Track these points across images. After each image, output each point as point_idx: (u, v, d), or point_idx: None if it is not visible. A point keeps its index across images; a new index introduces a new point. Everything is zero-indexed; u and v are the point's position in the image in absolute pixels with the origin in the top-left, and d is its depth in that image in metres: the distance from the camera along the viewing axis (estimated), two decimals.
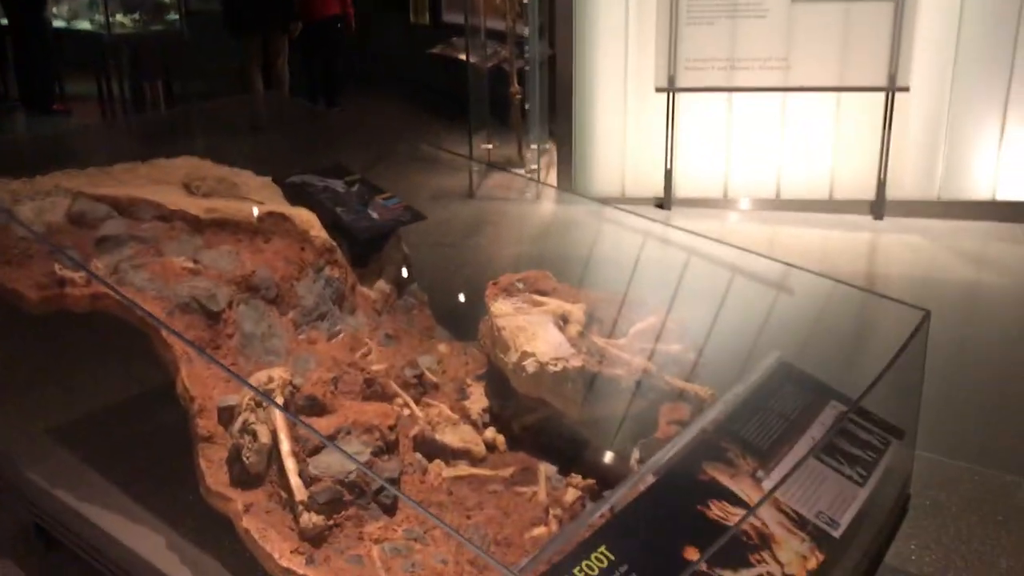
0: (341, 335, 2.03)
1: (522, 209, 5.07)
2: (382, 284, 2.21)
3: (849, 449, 1.74)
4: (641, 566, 1.31)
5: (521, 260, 4.22)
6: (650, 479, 1.54)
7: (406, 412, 1.75)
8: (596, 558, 1.33)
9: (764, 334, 2.18)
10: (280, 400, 1.50)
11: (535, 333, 1.69)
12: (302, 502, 1.40)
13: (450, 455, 1.70)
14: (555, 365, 1.63)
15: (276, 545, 1.39)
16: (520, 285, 1.87)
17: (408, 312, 2.26)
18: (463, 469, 1.64)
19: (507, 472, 1.66)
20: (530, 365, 1.64)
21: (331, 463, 1.43)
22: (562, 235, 4.50)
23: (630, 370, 1.70)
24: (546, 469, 1.68)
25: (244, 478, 1.51)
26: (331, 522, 1.40)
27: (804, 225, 4.63)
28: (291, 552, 1.38)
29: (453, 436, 1.75)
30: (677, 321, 1.92)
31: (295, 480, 1.42)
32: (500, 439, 1.75)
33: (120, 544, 1.70)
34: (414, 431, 1.70)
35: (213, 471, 1.55)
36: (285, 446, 1.46)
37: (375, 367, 1.84)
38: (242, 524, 1.44)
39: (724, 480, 1.53)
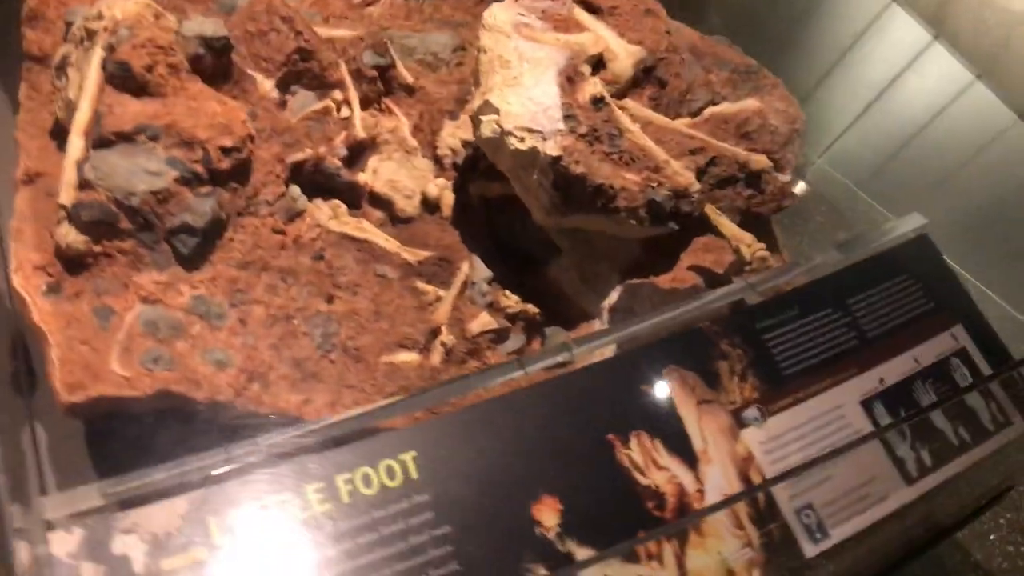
0: None
1: None
2: None
3: (932, 421, 1.13)
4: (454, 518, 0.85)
5: None
6: (581, 362, 1.01)
7: (341, 113, 1.23)
8: (387, 467, 0.87)
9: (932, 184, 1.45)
10: (98, 51, 1.01)
11: (519, 77, 1.07)
12: (64, 207, 0.97)
13: (363, 197, 1.20)
14: (519, 140, 1.04)
15: (24, 248, 0.99)
16: None
17: None
18: (358, 227, 1.14)
19: (418, 255, 1.15)
20: (487, 125, 1.05)
21: (116, 169, 0.96)
22: None
23: (648, 181, 1.09)
24: (472, 272, 1.16)
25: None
26: (96, 248, 0.97)
27: None
28: (35, 268, 0.98)
29: (389, 168, 1.23)
30: (793, 119, 1.24)
31: (69, 174, 0.98)
32: (447, 200, 1.21)
33: None
34: (338, 137, 1.19)
35: (33, 110, 1.12)
36: (80, 116, 1.00)
37: (333, 32, 1.28)
38: (16, 201, 1.04)
39: (680, 410, 0.99)
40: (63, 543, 0.76)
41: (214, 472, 0.83)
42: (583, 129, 1.06)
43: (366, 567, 0.83)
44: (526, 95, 1.05)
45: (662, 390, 1.00)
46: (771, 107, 1.21)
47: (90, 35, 1.03)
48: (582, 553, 0.89)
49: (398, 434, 0.90)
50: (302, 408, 1.02)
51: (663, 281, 1.18)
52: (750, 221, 1.21)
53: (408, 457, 0.88)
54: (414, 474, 0.88)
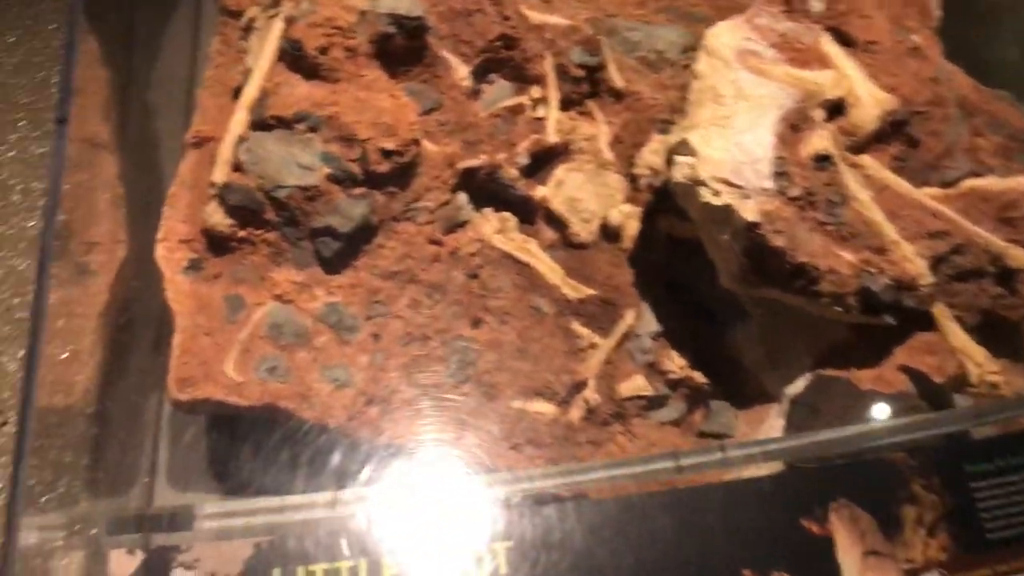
0: None
1: None
2: None
3: None
4: None
5: None
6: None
7: (536, 112, 1.11)
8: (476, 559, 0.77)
9: None
10: (279, 23, 0.94)
11: (731, 117, 0.90)
12: (214, 184, 0.92)
13: (538, 213, 1.08)
14: (714, 193, 0.87)
15: (175, 217, 0.95)
16: (820, 4, 1.00)
17: None
18: (523, 248, 1.03)
19: (580, 292, 1.01)
20: (680, 168, 0.89)
21: (270, 156, 0.89)
22: None
23: (866, 264, 0.89)
24: (637, 323, 1.01)
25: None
26: (240, 233, 0.92)
27: None
28: (180, 241, 0.94)
29: (575, 181, 1.10)
30: None
31: (226, 151, 0.92)
32: (630, 230, 1.07)
33: None
34: (523, 143, 1.07)
35: (223, 66, 1.08)
36: (248, 90, 0.93)
37: (547, 18, 1.15)
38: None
39: (841, 558, 0.81)
40: (122, 565, 0.72)
41: (287, 518, 0.76)
42: (796, 191, 0.88)
43: None
44: (734, 140, 0.88)
45: (823, 528, 0.83)
46: None
47: (276, 2, 0.96)
48: None
49: (488, 521, 0.79)
50: (423, 441, 0.94)
51: (864, 378, 0.98)
52: (993, 326, 0.99)
53: (501, 547, 0.78)
54: (503, 569, 0.77)
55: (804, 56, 0.95)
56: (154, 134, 1.18)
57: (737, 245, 0.89)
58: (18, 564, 0.70)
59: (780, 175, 0.88)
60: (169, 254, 0.93)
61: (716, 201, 0.87)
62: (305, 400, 0.87)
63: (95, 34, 1.03)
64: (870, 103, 0.94)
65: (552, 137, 1.09)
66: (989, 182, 0.98)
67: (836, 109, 0.95)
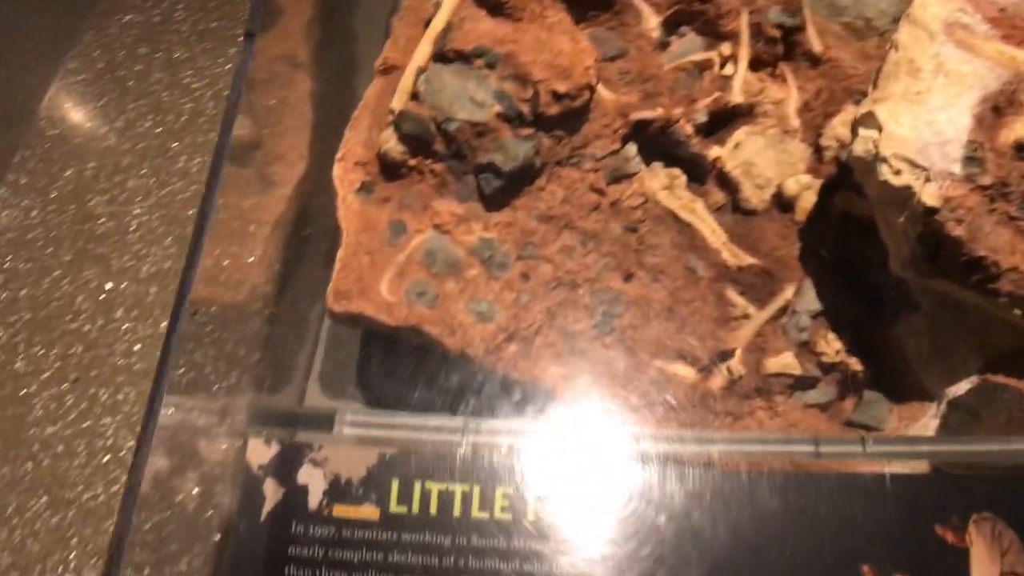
0: None
1: None
2: None
3: None
4: None
5: None
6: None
7: (724, 70, 1.07)
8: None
9: None
10: None
11: (926, 93, 0.83)
12: (392, 111, 0.95)
13: (711, 173, 1.05)
14: (894, 172, 0.81)
15: (355, 139, 0.99)
16: None
17: None
18: (688, 207, 1.00)
19: (741, 259, 0.98)
20: (862, 142, 0.84)
21: (445, 88, 0.92)
22: None
23: None
24: (797, 299, 0.97)
25: None
26: (411, 161, 0.95)
27: None
28: (356, 163, 0.98)
29: (755, 145, 1.06)
30: None
31: (407, 80, 0.95)
32: (805, 202, 1.02)
33: None
34: (704, 100, 1.04)
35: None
36: (435, 22, 0.96)
37: None
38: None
39: (973, 571, 0.76)
40: (260, 452, 0.78)
41: (417, 436, 0.79)
42: (987, 179, 0.81)
43: None
44: (925, 118, 0.82)
45: (959, 538, 0.77)
46: None
47: None
48: None
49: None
50: (559, 384, 0.95)
51: None
52: None
53: (617, 502, 0.78)
54: (612, 521, 0.78)
55: (1019, 31, 0.87)
56: (352, 58, 1.23)
57: (912, 230, 0.83)
58: (159, 437, 0.77)
59: (971, 160, 0.81)
60: (344, 174, 0.98)
61: (895, 181, 0.82)
62: (448, 328, 0.90)
63: None
64: None
65: (737, 97, 1.06)
66: None
67: None
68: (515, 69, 0.91)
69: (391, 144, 0.95)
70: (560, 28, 0.95)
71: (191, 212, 1.37)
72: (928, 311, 0.95)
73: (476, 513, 0.77)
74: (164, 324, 1.27)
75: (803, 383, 0.96)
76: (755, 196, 1.03)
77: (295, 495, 0.77)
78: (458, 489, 0.77)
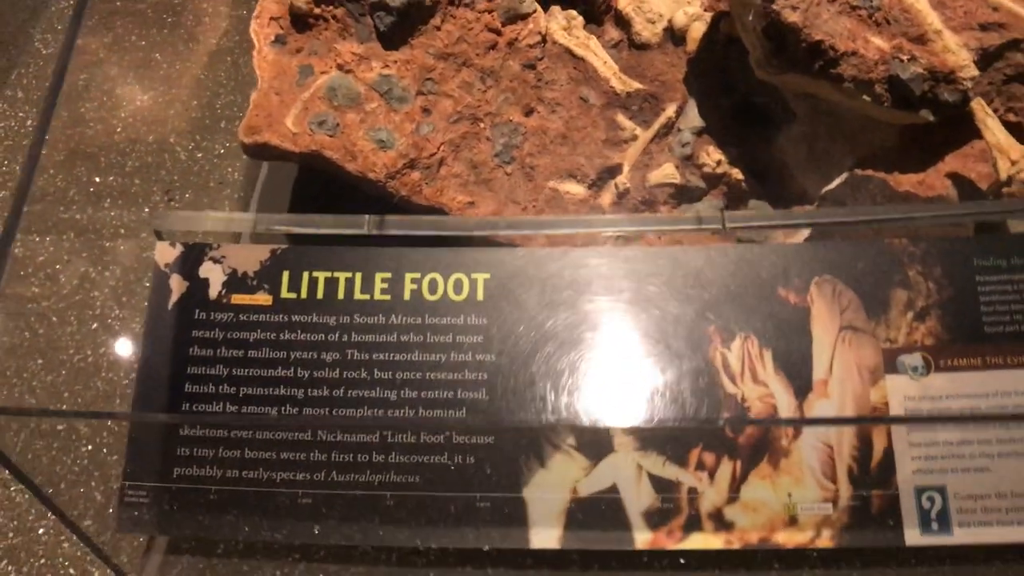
0: None
1: None
2: None
3: None
4: None
5: None
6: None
7: None
8: (456, 280, 0.86)
9: None
10: None
11: None
12: None
13: (607, 13, 1.11)
14: None
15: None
16: None
17: None
18: (582, 44, 1.07)
19: (628, 86, 1.05)
20: None
21: None
22: None
23: (898, 51, 0.86)
24: (680, 118, 1.03)
25: None
26: (316, 10, 1.03)
27: None
28: (271, 18, 1.06)
29: None
30: None
31: None
32: (695, 32, 1.07)
33: None
34: None
35: None
36: None
37: None
38: None
39: (813, 327, 0.83)
40: (166, 253, 0.88)
41: (282, 229, 0.88)
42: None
43: (404, 363, 0.84)
44: None
45: (800, 298, 0.84)
46: None
47: None
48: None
49: (474, 253, 0.87)
50: (465, 210, 1.03)
51: (906, 181, 0.96)
52: None
53: (480, 277, 0.86)
54: (480, 295, 0.86)
55: None
56: None
57: (759, 25, 0.89)
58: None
59: None
60: (260, 29, 1.06)
61: None
62: (348, 153, 0.98)
63: None
64: None
65: None
66: None
67: None
68: None
69: None
70: None
71: None
72: (803, 117, 1.01)
73: (358, 295, 0.86)
74: None
75: (688, 194, 1.03)
76: (647, 30, 1.09)
77: (197, 287, 0.86)
78: (342, 276, 0.86)
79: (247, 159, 1.27)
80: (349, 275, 0.86)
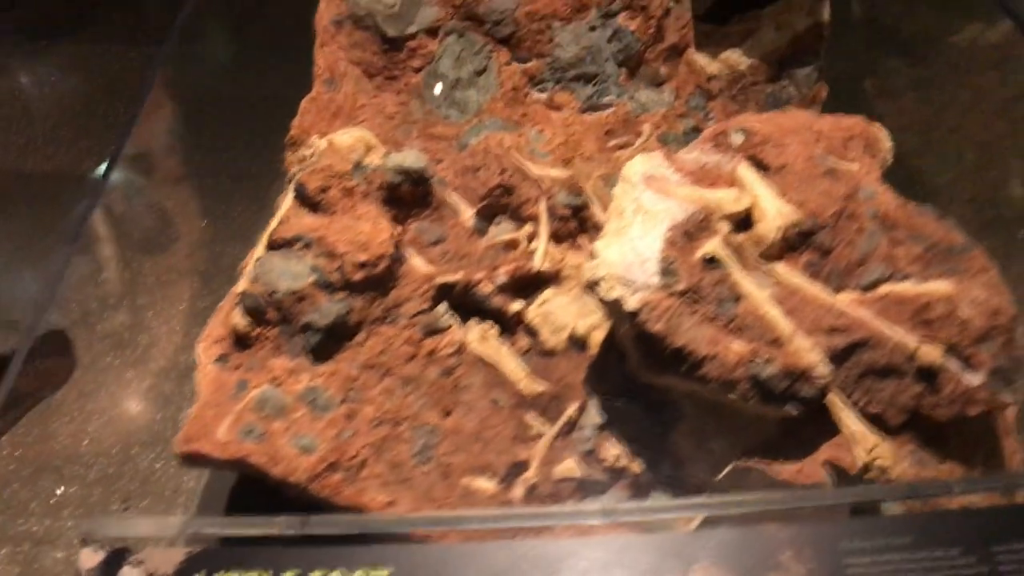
0: (609, 111, 1.54)
1: None
2: (736, 56, 1.57)
3: None
4: None
5: None
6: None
7: (531, 246, 1.30)
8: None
9: None
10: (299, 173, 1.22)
11: (627, 227, 1.04)
12: (238, 294, 1.18)
13: (518, 325, 1.24)
14: (609, 289, 1.01)
15: (216, 323, 1.22)
16: (739, 137, 1.13)
17: (778, 105, 1.59)
18: (495, 352, 1.19)
19: (534, 389, 1.16)
20: (587, 271, 1.04)
21: (273, 269, 1.15)
22: None
23: (755, 354, 0.97)
24: (582, 416, 1.13)
25: None
26: (254, 332, 1.16)
27: None
28: (215, 341, 1.20)
29: (560, 302, 1.26)
30: (995, 312, 1.02)
31: (249, 267, 1.19)
32: (595, 339, 1.20)
33: None
34: (505, 267, 1.26)
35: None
36: (272, 223, 1.21)
37: (550, 172, 1.36)
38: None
39: None
40: (89, 559, 0.94)
41: (209, 532, 0.94)
42: (681, 286, 1.00)
43: None
44: (629, 245, 1.02)
45: None
46: (967, 295, 1.01)
47: (301, 161, 1.25)
48: None
49: (381, 549, 0.93)
50: (385, 508, 1.10)
51: (785, 472, 1.03)
52: (927, 426, 1.01)
53: (383, 573, 0.91)
54: None
55: (715, 180, 1.09)
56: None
57: (631, 334, 1.01)
58: None
59: (666, 272, 1.00)
60: (205, 350, 1.19)
61: (609, 295, 1.01)
62: (272, 459, 1.07)
63: None
64: (773, 216, 1.05)
65: (536, 266, 1.27)
66: (904, 287, 1.04)
67: (745, 223, 1.07)
68: (325, 247, 1.15)
69: (238, 319, 1.17)
70: (367, 217, 1.19)
71: None
72: (689, 415, 1.10)
73: None
74: None
75: (594, 487, 1.10)
76: (553, 339, 1.22)
77: None
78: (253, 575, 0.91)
79: None
80: (255, 575, 0.91)
